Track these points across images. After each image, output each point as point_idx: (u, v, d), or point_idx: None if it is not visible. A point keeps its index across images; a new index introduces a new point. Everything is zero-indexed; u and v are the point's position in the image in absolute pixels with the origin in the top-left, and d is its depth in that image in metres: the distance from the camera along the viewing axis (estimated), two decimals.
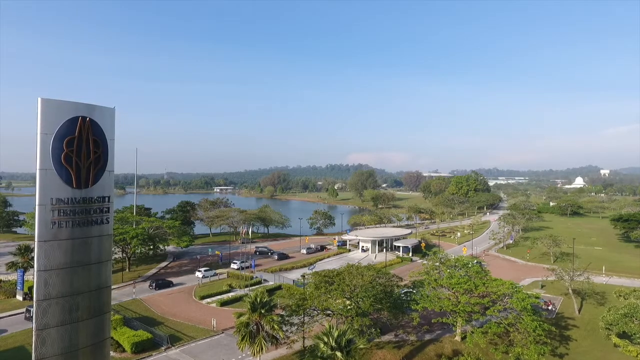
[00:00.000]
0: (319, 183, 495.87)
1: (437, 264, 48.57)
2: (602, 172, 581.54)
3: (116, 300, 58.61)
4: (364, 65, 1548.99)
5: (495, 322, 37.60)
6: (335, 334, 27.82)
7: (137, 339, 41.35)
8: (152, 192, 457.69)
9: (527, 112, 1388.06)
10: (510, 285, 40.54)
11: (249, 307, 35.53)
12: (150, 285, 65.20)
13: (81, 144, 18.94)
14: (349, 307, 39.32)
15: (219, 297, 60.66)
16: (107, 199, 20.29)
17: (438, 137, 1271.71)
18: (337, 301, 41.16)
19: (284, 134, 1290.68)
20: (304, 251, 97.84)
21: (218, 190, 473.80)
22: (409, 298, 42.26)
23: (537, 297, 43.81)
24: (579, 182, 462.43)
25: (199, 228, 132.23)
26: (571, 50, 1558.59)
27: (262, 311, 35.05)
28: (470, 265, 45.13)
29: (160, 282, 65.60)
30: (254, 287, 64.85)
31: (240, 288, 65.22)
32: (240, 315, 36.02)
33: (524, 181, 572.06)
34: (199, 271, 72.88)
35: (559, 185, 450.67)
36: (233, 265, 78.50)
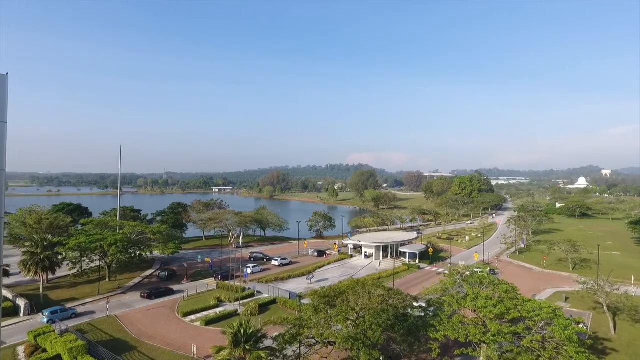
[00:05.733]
0: (319, 183, 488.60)
1: (458, 277, 41.48)
2: (603, 172, 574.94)
3: (88, 317, 51.77)
4: (364, 65, 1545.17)
5: (532, 357, 30.54)
6: None
7: None
8: (149, 192, 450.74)
9: (527, 112, 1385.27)
10: (549, 308, 33.51)
11: (231, 339, 28.51)
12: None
13: None
14: (354, 335, 32.07)
15: (204, 313, 53.52)
16: None
17: (438, 137, 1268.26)
18: (339, 327, 34.16)
19: (284, 134, 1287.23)
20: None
21: (217, 190, 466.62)
22: (425, 322, 35.09)
23: (578, 323, 36.76)
24: (582, 182, 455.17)
25: (192, 231, 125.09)
26: (571, 50, 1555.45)
27: (247, 346, 28.02)
28: (497, 283, 37.95)
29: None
30: (245, 301, 57.96)
31: (230, 302, 58.10)
32: (220, 349, 28.98)
33: (525, 181, 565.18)
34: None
35: (561, 185, 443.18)
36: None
